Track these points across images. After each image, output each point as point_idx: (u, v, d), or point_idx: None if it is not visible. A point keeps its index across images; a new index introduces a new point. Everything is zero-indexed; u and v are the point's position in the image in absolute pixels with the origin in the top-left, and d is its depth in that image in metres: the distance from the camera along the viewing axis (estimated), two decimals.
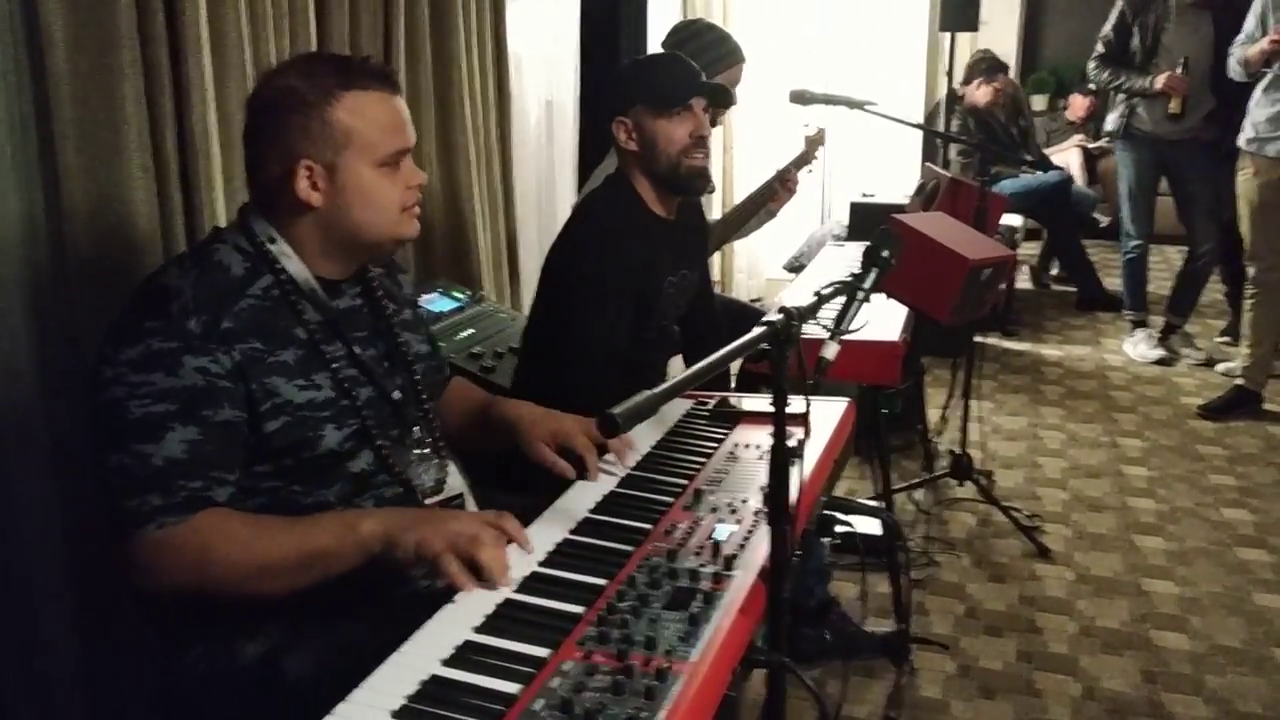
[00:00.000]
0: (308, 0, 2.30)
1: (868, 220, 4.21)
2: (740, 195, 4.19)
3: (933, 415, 3.95)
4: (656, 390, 1.05)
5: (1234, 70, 4.14)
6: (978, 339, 3.54)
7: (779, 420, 1.24)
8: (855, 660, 2.59)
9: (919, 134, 5.37)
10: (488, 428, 1.82)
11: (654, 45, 3.85)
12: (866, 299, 1.58)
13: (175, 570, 1.35)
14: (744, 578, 1.34)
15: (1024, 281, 6.41)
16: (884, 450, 2.82)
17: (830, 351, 1.58)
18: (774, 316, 1.25)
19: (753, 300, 5.36)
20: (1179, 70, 4.55)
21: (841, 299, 1.61)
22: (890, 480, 2.85)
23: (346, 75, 1.47)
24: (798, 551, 1.48)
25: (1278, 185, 4.04)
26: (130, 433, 1.35)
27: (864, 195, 4.65)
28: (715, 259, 5.40)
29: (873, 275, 1.63)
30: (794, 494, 1.28)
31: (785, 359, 1.22)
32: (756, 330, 1.22)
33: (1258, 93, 4.06)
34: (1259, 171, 4.08)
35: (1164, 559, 3.18)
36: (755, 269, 5.75)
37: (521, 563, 1.40)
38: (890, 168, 5.39)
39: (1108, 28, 4.79)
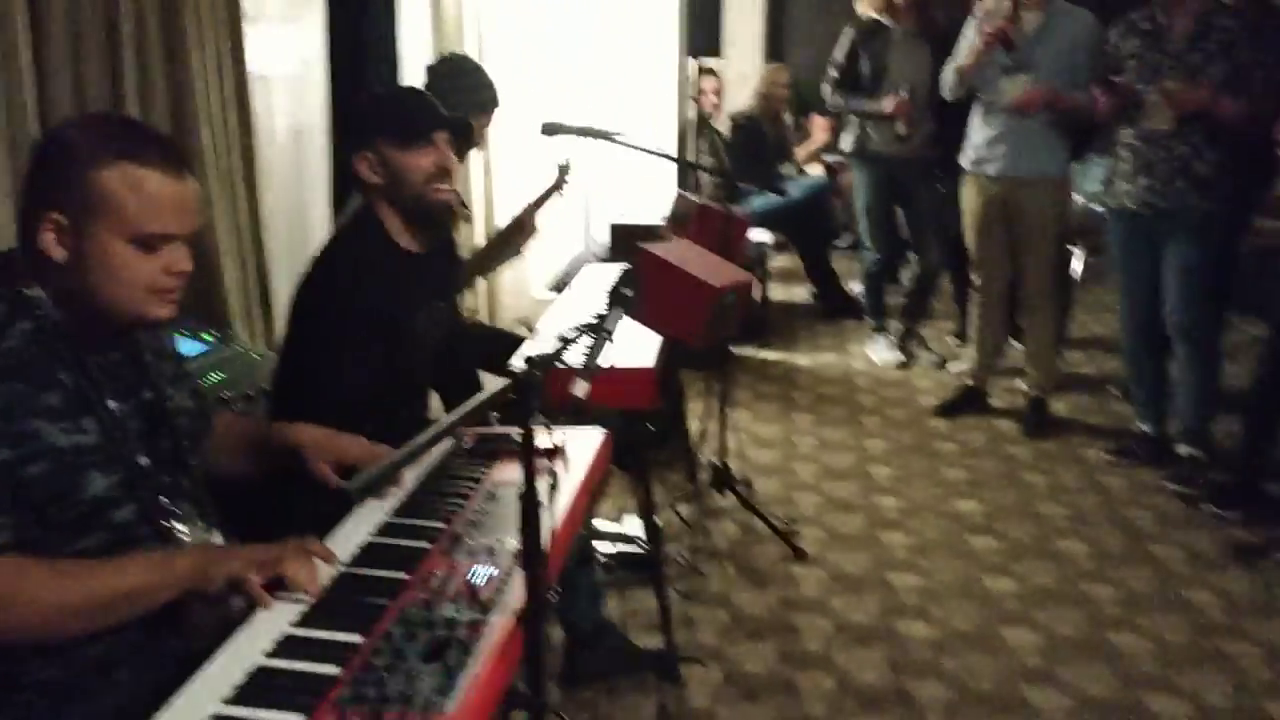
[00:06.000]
0: (15, 23, 2.16)
1: (627, 240, 4.33)
2: (501, 218, 4.25)
3: (695, 427, 4.10)
4: (395, 456, 1.06)
5: (948, 86, 4.45)
6: (734, 349, 3.70)
7: (528, 468, 1.27)
8: (629, 677, 2.66)
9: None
10: (264, 455, 1.84)
11: (406, 67, 3.82)
12: (609, 339, 1.64)
13: None
14: (501, 622, 1.36)
15: (776, 293, 6.73)
16: (645, 470, 2.90)
17: (580, 390, 1.63)
18: (519, 367, 1.28)
19: (519, 319, 5.38)
20: (904, 94, 4.92)
21: (590, 338, 1.66)
22: (653, 498, 2.94)
23: (128, 143, 1.44)
24: (557, 589, 1.52)
25: (998, 201, 4.39)
26: None
27: (623, 217, 4.79)
28: (480, 282, 5.41)
29: (616, 313, 1.69)
30: (547, 536, 1.31)
31: (533, 410, 1.26)
32: (502, 383, 1.25)
33: (975, 119, 4.42)
34: (981, 189, 4.44)
35: (905, 552, 3.42)
36: (521, 290, 5.78)
37: (274, 625, 1.37)
38: (648, 189, 5.58)
39: (839, 54, 5.12)
